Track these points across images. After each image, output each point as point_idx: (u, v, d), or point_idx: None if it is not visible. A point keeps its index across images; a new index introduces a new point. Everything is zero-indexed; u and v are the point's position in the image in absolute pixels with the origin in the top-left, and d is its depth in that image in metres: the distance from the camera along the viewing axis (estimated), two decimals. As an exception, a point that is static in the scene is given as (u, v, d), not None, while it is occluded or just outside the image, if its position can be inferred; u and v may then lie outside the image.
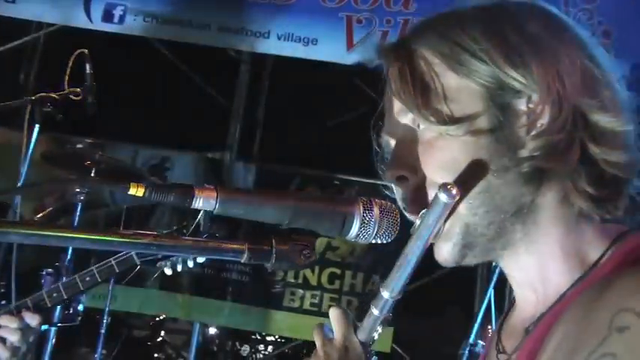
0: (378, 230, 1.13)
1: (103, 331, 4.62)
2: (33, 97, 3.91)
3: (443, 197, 1.07)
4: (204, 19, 5.96)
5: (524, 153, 1.12)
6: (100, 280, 3.04)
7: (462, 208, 1.13)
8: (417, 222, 1.13)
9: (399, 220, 1.16)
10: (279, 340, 8.55)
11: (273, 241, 1.07)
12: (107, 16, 6.13)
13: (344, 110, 6.75)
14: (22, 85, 6.75)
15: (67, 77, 4.09)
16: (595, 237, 1.16)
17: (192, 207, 1.04)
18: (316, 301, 6.13)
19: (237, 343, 8.78)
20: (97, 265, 3.05)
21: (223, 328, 7.44)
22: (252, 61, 6.64)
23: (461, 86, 1.14)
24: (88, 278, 3.02)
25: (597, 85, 1.14)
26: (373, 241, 1.16)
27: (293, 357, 8.26)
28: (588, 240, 1.16)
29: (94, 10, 6.01)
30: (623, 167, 1.14)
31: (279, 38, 5.96)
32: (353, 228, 1.12)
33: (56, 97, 4.06)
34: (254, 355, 9.19)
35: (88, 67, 4.08)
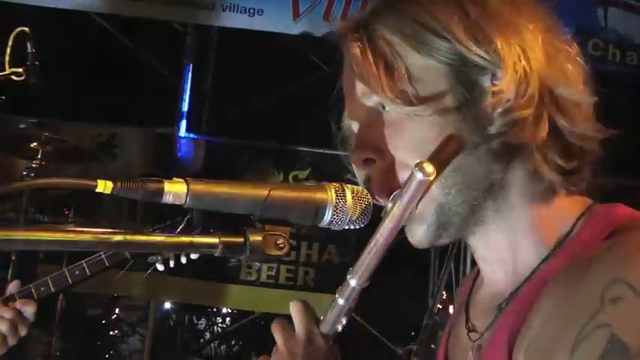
0: (351, 216, 1.12)
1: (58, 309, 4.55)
2: (-28, 80, 3.77)
3: (419, 176, 1.04)
4: (147, -8, 5.82)
5: (492, 130, 1.12)
6: (89, 273, 2.90)
7: (435, 188, 1.12)
8: (389, 205, 1.11)
9: (371, 204, 1.15)
10: (236, 312, 8.56)
11: (247, 233, 1.05)
12: (42, -11, 5.93)
13: (292, 80, 6.69)
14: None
15: (7, 57, 3.96)
16: (563, 210, 1.18)
17: (162, 202, 1.01)
18: (273, 273, 6.13)
19: (194, 317, 8.76)
20: (86, 259, 2.91)
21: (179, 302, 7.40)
22: (198, 34, 6.52)
23: (425, 65, 1.13)
24: (77, 272, 2.89)
25: (559, 59, 1.15)
26: (346, 227, 1.14)
27: (250, 329, 8.28)
28: (557, 214, 1.17)
29: (28, -17, 5.82)
30: (589, 139, 1.16)
31: (224, 9, 5.86)
32: (326, 216, 1.11)
33: (-2, 77, 3.93)
34: (211, 329, 9.20)
35: (29, 45, 3.95)
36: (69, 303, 5.82)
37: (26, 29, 3.95)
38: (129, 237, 0.98)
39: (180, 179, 1.03)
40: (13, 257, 4.13)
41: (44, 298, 2.83)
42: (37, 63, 3.95)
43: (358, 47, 1.15)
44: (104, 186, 0.97)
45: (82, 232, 0.96)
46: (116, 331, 8.90)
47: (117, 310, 8.87)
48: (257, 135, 6.40)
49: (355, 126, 1.23)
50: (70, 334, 7.01)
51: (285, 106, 6.60)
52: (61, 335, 5.90)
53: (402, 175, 1.14)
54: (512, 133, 1.11)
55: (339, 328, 1.24)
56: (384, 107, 1.16)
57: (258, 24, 5.84)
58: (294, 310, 1.26)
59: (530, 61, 1.12)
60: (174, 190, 1.01)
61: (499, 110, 1.11)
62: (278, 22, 5.82)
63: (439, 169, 1.08)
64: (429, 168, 1.04)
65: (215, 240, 1.03)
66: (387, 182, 1.16)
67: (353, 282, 1.15)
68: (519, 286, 1.16)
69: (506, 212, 1.17)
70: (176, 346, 7.47)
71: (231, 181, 1.07)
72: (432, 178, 1.05)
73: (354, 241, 6.01)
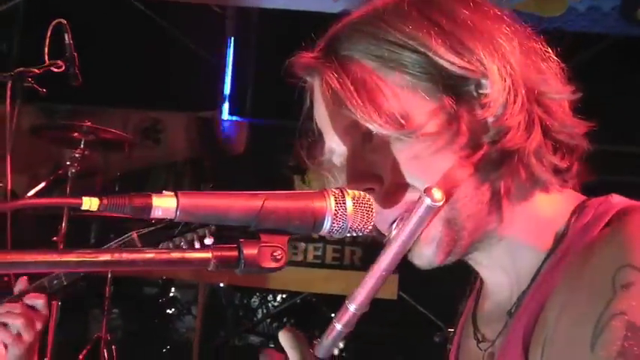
0: (352, 223, 1.07)
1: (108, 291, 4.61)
2: (12, 73, 3.81)
3: (427, 201, 1.03)
4: (185, -24, 5.81)
5: (487, 138, 1.10)
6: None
7: None
8: (394, 231, 1.09)
9: (373, 209, 1.10)
10: (287, 290, 8.61)
11: (241, 246, 1.01)
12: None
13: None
14: (4, 54, 6.65)
15: (46, 49, 3.99)
16: (558, 209, 1.16)
17: (151, 217, 0.98)
18: (319, 253, 6.12)
19: (246, 296, 8.86)
20: None
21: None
22: (238, 16, 6.49)
23: (407, 85, 1.10)
24: None
25: (535, 59, 1.14)
26: (348, 235, 1.09)
27: (303, 307, 8.33)
28: (553, 213, 1.16)
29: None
30: (577, 135, 1.15)
31: (263, -11, 5.83)
32: (325, 224, 1.06)
33: (37, 71, 3.96)
34: (264, 306, 9.28)
35: (67, 37, 3.97)
36: (123, 283, 5.92)
37: (63, 21, 3.97)
38: (116, 256, 0.95)
39: (170, 192, 0.99)
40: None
41: (56, 291, 2.80)
42: (75, 54, 3.97)
43: (335, 78, 1.11)
44: (90, 203, 0.94)
45: (68, 252, 0.94)
46: (172, 310, 9.06)
47: (172, 289, 9.03)
48: (300, 116, 6.36)
49: (339, 155, 1.20)
50: (128, 313, 7.16)
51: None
52: (120, 314, 6.00)
53: (407, 197, 1.12)
54: (507, 139, 1.09)
55: (336, 351, 1.20)
56: (371, 133, 1.12)
57: (297, 3, 5.78)
58: (285, 340, 1.21)
59: (513, 66, 1.10)
60: (163, 204, 0.97)
61: (491, 119, 1.09)
62: (318, 1, 5.74)
63: (448, 195, 1.06)
64: (438, 194, 1.03)
65: (208, 255, 1.00)
66: (389, 207, 1.14)
67: (352, 308, 1.12)
68: (526, 289, 1.14)
69: (507, 221, 1.14)
70: (229, 325, 7.56)
71: (224, 192, 1.03)
72: (440, 203, 1.03)
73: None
